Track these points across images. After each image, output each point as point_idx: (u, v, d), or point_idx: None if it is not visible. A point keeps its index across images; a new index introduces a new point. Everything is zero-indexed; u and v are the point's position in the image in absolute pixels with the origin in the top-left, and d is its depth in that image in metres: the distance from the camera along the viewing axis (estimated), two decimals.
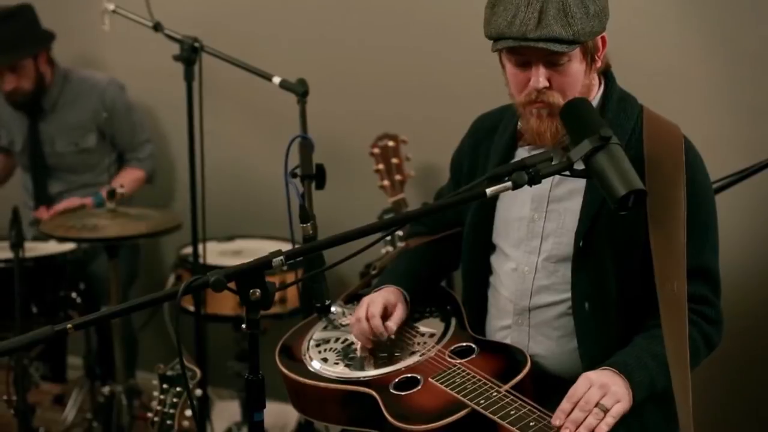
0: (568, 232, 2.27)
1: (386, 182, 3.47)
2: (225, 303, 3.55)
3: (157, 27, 3.35)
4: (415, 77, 3.70)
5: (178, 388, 2.67)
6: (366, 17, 3.78)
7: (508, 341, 2.36)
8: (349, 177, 3.65)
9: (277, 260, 1.80)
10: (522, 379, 2.14)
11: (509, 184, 1.91)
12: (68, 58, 4.16)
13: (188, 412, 2.65)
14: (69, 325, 1.74)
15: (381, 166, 3.49)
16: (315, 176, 2.53)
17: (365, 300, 2.43)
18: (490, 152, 2.43)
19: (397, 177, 3.48)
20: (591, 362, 2.23)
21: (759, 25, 3.12)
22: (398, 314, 2.41)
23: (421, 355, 2.32)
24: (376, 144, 3.54)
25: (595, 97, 2.28)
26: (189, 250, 3.52)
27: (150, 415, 2.69)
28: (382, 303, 2.40)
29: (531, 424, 1.97)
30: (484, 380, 2.13)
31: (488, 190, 1.90)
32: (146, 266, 4.30)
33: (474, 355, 2.28)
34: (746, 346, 3.17)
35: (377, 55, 3.77)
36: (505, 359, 2.25)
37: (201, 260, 3.45)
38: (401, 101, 3.74)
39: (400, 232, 3.31)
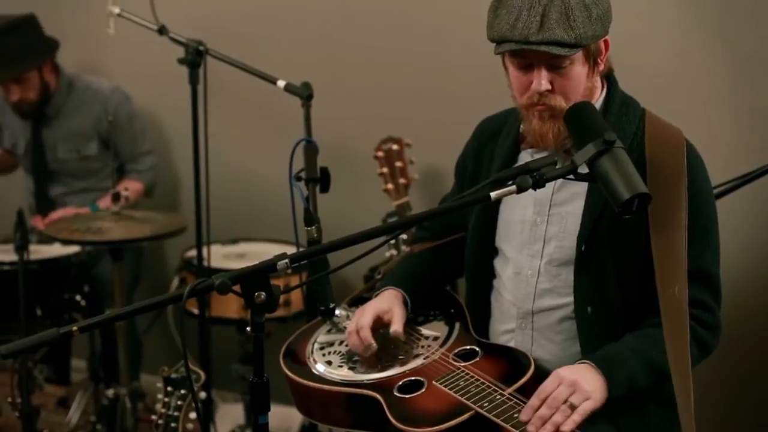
0: (570, 236, 2.27)
1: (390, 185, 3.48)
2: (229, 306, 3.55)
3: (161, 30, 3.35)
4: (419, 80, 3.71)
5: (182, 391, 2.67)
6: (370, 21, 3.79)
7: (511, 345, 2.36)
8: (353, 180, 3.66)
9: (282, 263, 1.80)
10: (525, 383, 2.14)
11: (513, 187, 1.90)
12: (72, 62, 4.16)
13: (192, 415, 2.65)
14: (74, 328, 1.74)
15: (385, 170, 3.50)
16: (319, 179, 2.53)
17: (357, 312, 2.43)
18: (494, 155, 2.43)
19: (401, 180, 3.48)
20: None
21: (760, 28, 3.12)
22: (397, 317, 2.40)
23: (425, 358, 2.32)
24: (380, 147, 3.54)
25: (598, 101, 2.28)
26: (193, 253, 3.53)
27: (154, 417, 2.69)
28: (373, 313, 2.39)
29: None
30: (487, 383, 2.13)
31: (492, 194, 1.90)
32: (150, 269, 4.30)
33: (478, 359, 2.29)
34: (747, 349, 3.16)
35: (381, 59, 3.78)
36: (508, 362, 2.25)
37: (205, 263, 3.45)
38: (405, 105, 3.74)
39: (404, 236, 3.31)
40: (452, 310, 2.54)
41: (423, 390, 2.19)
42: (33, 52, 3.91)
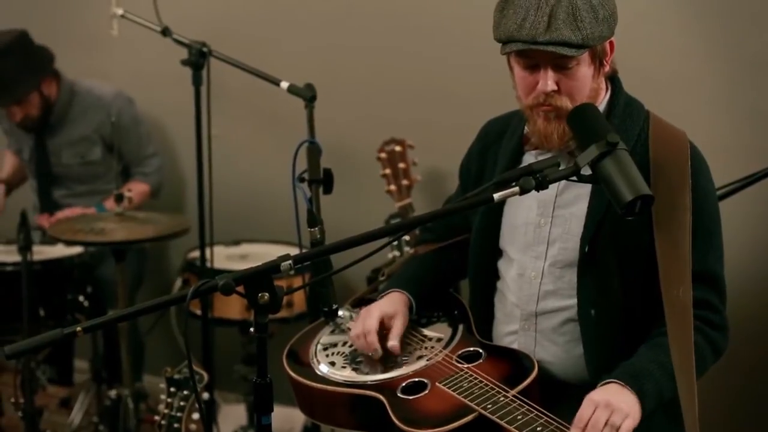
0: (573, 238, 2.27)
1: (393, 187, 3.48)
2: (232, 307, 3.55)
3: (165, 32, 3.35)
4: (422, 82, 3.71)
5: (185, 392, 2.67)
6: (373, 22, 3.79)
7: (515, 346, 2.36)
8: (356, 182, 3.66)
9: (285, 264, 1.80)
10: (529, 385, 2.14)
11: (516, 189, 1.90)
12: (75, 64, 4.16)
13: (195, 416, 2.66)
14: (78, 328, 1.74)
15: (388, 171, 3.50)
16: (322, 181, 2.53)
17: (362, 314, 2.43)
18: (498, 157, 2.43)
19: (404, 182, 3.48)
20: (597, 368, 2.23)
21: (761, 30, 3.12)
22: (397, 327, 2.41)
23: (428, 360, 2.32)
24: (383, 149, 3.54)
25: (602, 102, 2.29)
26: (196, 254, 3.53)
27: (157, 418, 2.69)
28: (378, 316, 2.40)
29: (538, 429, 1.97)
30: (491, 385, 2.13)
31: (496, 195, 1.90)
32: (153, 270, 4.31)
33: (481, 360, 2.29)
34: (750, 350, 3.16)
35: (384, 60, 3.78)
36: (512, 364, 2.26)
37: (208, 264, 3.45)
38: (408, 106, 3.75)
39: (406, 237, 3.32)
40: (455, 312, 2.54)
41: (426, 391, 2.19)
42: (30, 73, 3.88)
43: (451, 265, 2.64)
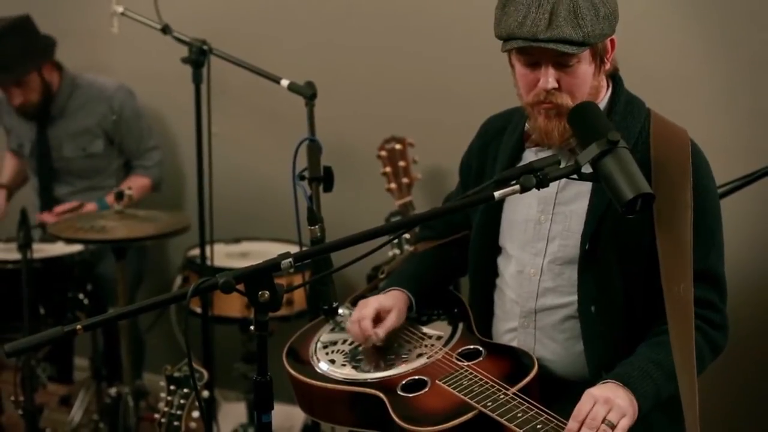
0: (574, 235, 2.27)
1: (393, 185, 3.48)
2: (232, 305, 3.55)
3: (165, 29, 3.35)
4: (423, 80, 3.71)
5: (185, 390, 2.67)
6: (374, 20, 3.79)
7: (514, 344, 2.36)
8: (356, 180, 3.66)
9: (285, 262, 1.80)
10: (529, 382, 2.14)
11: (517, 187, 1.90)
12: (76, 62, 4.16)
13: (195, 414, 2.65)
14: (78, 326, 1.74)
15: (388, 169, 3.50)
16: (323, 179, 2.53)
17: (360, 304, 2.44)
18: (499, 154, 2.43)
19: (404, 180, 3.48)
20: (597, 365, 2.24)
21: (760, 29, 3.12)
22: (390, 320, 2.41)
23: (428, 358, 2.32)
24: (383, 147, 3.54)
25: (603, 100, 2.29)
26: (196, 251, 3.53)
27: (157, 416, 2.69)
28: (375, 307, 2.41)
29: (538, 426, 1.97)
30: (491, 383, 2.13)
31: (496, 194, 1.90)
32: (153, 268, 4.31)
33: (481, 358, 2.29)
34: (750, 348, 3.16)
35: (385, 58, 3.78)
36: (512, 362, 2.26)
37: (208, 262, 3.45)
38: (408, 104, 3.75)
39: (407, 235, 3.32)
40: (455, 310, 2.54)
41: (426, 389, 2.19)
42: (31, 55, 3.89)
43: (451, 263, 2.64)
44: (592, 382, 2.17)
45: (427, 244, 2.69)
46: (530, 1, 2.10)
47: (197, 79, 3.30)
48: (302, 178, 2.53)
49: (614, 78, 2.32)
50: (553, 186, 2.22)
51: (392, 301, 2.45)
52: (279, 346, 2.49)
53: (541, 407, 2.03)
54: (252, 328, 1.85)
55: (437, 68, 3.67)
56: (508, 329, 2.40)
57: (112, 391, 3.65)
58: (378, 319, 2.41)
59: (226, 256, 3.80)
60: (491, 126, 2.55)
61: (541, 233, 2.32)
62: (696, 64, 3.23)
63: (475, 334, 2.42)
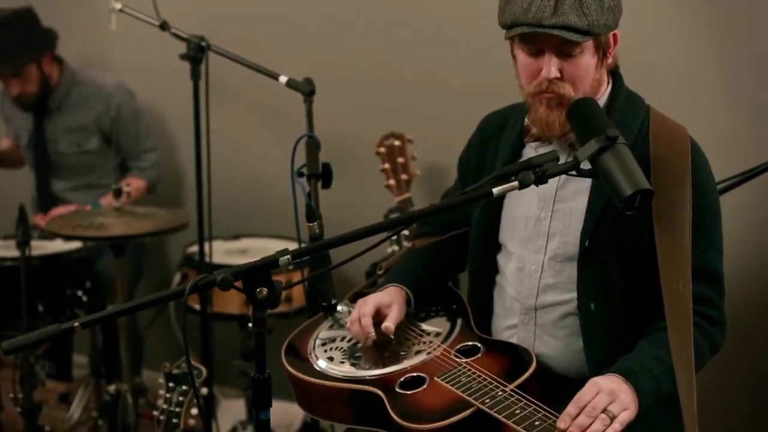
0: (573, 232, 2.27)
1: (392, 181, 3.48)
2: (231, 302, 3.55)
3: (163, 26, 3.35)
4: (421, 76, 3.70)
5: (183, 387, 2.67)
6: (372, 16, 3.79)
7: (514, 341, 2.36)
8: (355, 176, 3.65)
9: (283, 259, 1.80)
10: (527, 379, 2.14)
11: (516, 183, 1.91)
12: (74, 58, 4.16)
13: (194, 411, 2.65)
14: (76, 323, 1.74)
15: (387, 166, 3.50)
16: (321, 175, 2.53)
17: (359, 302, 2.44)
18: (498, 150, 2.43)
19: (403, 176, 3.48)
20: (597, 362, 2.23)
21: (760, 26, 3.12)
22: (393, 315, 2.40)
23: (426, 354, 2.32)
24: (382, 143, 3.54)
25: (603, 95, 2.28)
26: (195, 248, 3.53)
27: (156, 413, 2.69)
28: (374, 304, 2.40)
29: (536, 423, 1.97)
30: (489, 379, 2.13)
31: (495, 190, 1.90)
32: (152, 265, 4.31)
33: (480, 355, 2.28)
34: (748, 345, 3.16)
35: (383, 54, 3.78)
36: (510, 358, 2.25)
37: (207, 259, 3.45)
38: (407, 100, 3.74)
39: (405, 232, 3.31)
40: (454, 306, 2.54)
41: (425, 386, 2.19)
42: (31, 46, 3.91)
43: (449, 259, 2.64)
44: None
45: (425, 240, 2.69)
46: None
47: (195, 76, 3.30)
48: (301, 174, 2.53)
49: (614, 74, 2.32)
50: (553, 183, 2.22)
51: (391, 297, 2.45)
52: (278, 342, 2.48)
53: (539, 404, 2.03)
54: (250, 325, 1.85)
55: (436, 64, 3.67)
56: (507, 326, 2.40)
57: (111, 388, 3.66)
58: (378, 315, 2.40)
59: (225, 252, 3.80)
60: (490, 122, 2.54)
61: (541, 230, 2.32)
62: (695, 60, 3.23)
63: (473, 330, 2.41)
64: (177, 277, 3.83)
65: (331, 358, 2.38)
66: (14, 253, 3.42)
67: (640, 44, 3.12)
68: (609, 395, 1.99)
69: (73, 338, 4.11)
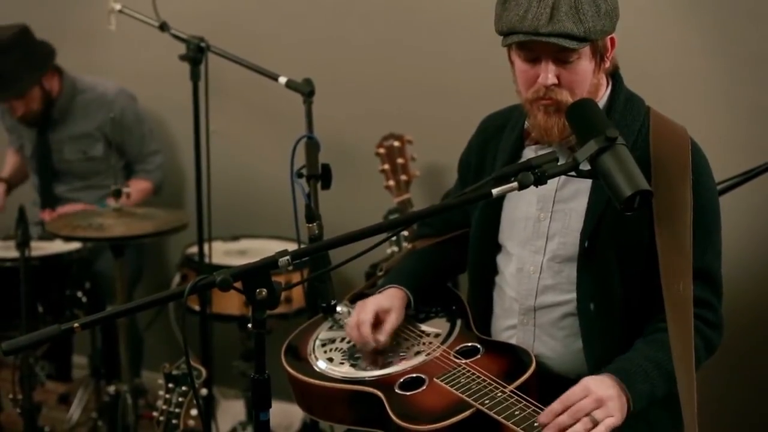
0: (573, 232, 2.27)
1: (392, 182, 3.48)
2: (230, 302, 3.55)
3: (163, 27, 3.35)
4: (421, 77, 3.70)
5: (183, 388, 2.67)
6: (372, 17, 3.79)
7: (513, 341, 2.36)
8: (354, 177, 3.65)
9: (283, 260, 1.80)
10: (527, 380, 2.14)
11: (515, 184, 1.90)
12: (74, 60, 4.15)
13: (194, 412, 2.65)
14: (76, 324, 1.74)
15: (386, 166, 3.50)
16: (321, 176, 2.53)
17: (358, 306, 2.43)
18: (498, 151, 2.43)
19: (403, 177, 3.48)
20: (596, 362, 2.23)
21: (759, 25, 3.12)
22: (389, 323, 2.40)
23: (426, 355, 2.32)
24: (382, 144, 3.54)
25: (603, 98, 2.28)
26: (194, 249, 3.53)
27: (155, 414, 2.69)
28: (373, 310, 2.39)
29: (536, 424, 1.97)
30: (489, 380, 2.13)
31: (494, 191, 1.90)
32: (151, 265, 4.31)
33: (479, 356, 2.28)
34: (746, 343, 3.16)
35: (383, 55, 3.78)
36: (510, 359, 2.25)
37: (206, 260, 3.45)
38: (407, 101, 3.74)
39: (405, 233, 3.32)
40: (454, 307, 2.54)
41: (424, 387, 2.19)
42: (32, 68, 3.88)
43: (449, 260, 2.64)
44: None
45: (425, 241, 2.69)
46: None
47: (195, 77, 3.30)
48: (300, 175, 2.53)
49: (614, 76, 2.32)
50: (553, 183, 2.22)
51: (390, 300, 2.44)
52: (278, 343, 2.48)
53: (539, 405, 2.03)
54: (250, 325, 1.85)
55: (436, 65, 3.67)
56: (507, 326, 2.40)
57: (111, 389, 3.66)
58: (377, 320, 2.40)
59: (224, 253, 3.80)
60: (490, 123, 2.54)
61: (540, 231, 2.32)
62: (694, 60, 3.23)
63: (473, 331, 2.41)
64: (177, 278, 3.83)
65: (330, 359, 2.38)
66: (14, 254, 3.41)
67: (639, 44, 3.13)
68: (596, 401, 1.99)
69: (72, 339, 4.12)
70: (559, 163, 1.95)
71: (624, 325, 2.24)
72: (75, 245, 3.74)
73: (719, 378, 2.98)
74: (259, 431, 1.90)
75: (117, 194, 3.45)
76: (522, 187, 1.90)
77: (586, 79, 2.19)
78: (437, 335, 2.42)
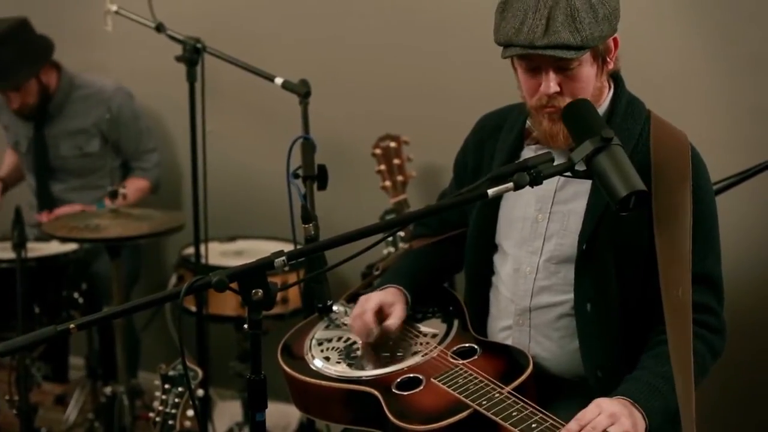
0: (571, 234, 2.27)
1: (388, 183, 3.48)
2: (227, 303, 3.55)
3: (159, 28, 3.35)
4: (417, 78, 3.70)
5: (179, 388, 2.67)
6: (368, 18, 3.79)
7: (509, 342, 2.36)
8: (351, 178, 3.65)
9: (279, 261, 1.80)
10: (524, 381, 2.14)
11: (511, 185, 1.90)
12: (71, 60, 4.14)
13: (190, 413, 2.66)
14: (72, 325, 1.74)
15: (383, 167, 3.50)
16: (317, 177, 2.53)
17: (361, 299, 2.44)
18: (496, 151, 2.43)
19: (399, 178, 3.48)
20: (592, 363, 2.24)
21: (759, 26, 3.12)
22: (397, 313, 2.41)
23: (423, 356, 2.32)
24: (378, 145, 3.54)
25: (605, 100, 2.28)
26: (191, 250, 3.53)
27: (152, 415, 2.69)
28: (378, 301, 2.40)
29: (533, 425, 1.97)
30: (486, 381, 2.13)
31: (490, 191, 1.90)
32: (148, 266, 4.30)
33: (476, 356, 2.28)
34: (747, 346, 3.16)
35: (379, 56, 3.78)
36: (507, 361, 2.25)
37: (203, 261, 3.45)
38: (403, 102, 3.74)
39: (401, 233, 3.31)
40: (450, 308, 2.54)
41: (421, 387, 2.19)
42: (29, 60, 3.89)
43: (446, 260, 2.64)
44: (586, 380, 2.20)
45: (421, 241, 2.69)
46: (527, 6, 2.08)
47: (191, 78, 3.30)
48: (296, 176, 2.53)
49: (616, 78, 2.31)
50: (552, 184, 2.23)
51: (392, 297, 2.45)
52: (274, 344, 2.48)
53: (536, 406, 2.03)
54: (246, 326, 1.85)
55: (432, 66, 3.67)
56: (503, 327, 2.40)
57: (108, 390, 3.66)
58: (380, 313, 2.40)
59: (220, 254, 3.79)
60: (487, 123, 2.54)
61: (538, 231, 2.32)
62: (695, 62, 3.23)
63: (470, 332, 2.41)
64: (173, 279, 3.83)
65: (327, 358, 2.38)
66: (10, 255, 3.41)
67: (640, 46, 3.13)
68: (610, 417, 1.98)
69: (69, 340, 4.11)
70: (554, 164, 1.95)
71: (621, 326, 2.24)
72: (71, 246, 3.74)
73: (717, 380, 2.98)
74: None
75: (114, 195, 3.45)
76: (517, 187, 1.90)
77: (589, 84, 2.19)
78: (434, 335, 2.42)
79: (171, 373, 2.70)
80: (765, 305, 3.25)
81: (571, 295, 2.27)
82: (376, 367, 2.32)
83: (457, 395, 2.10)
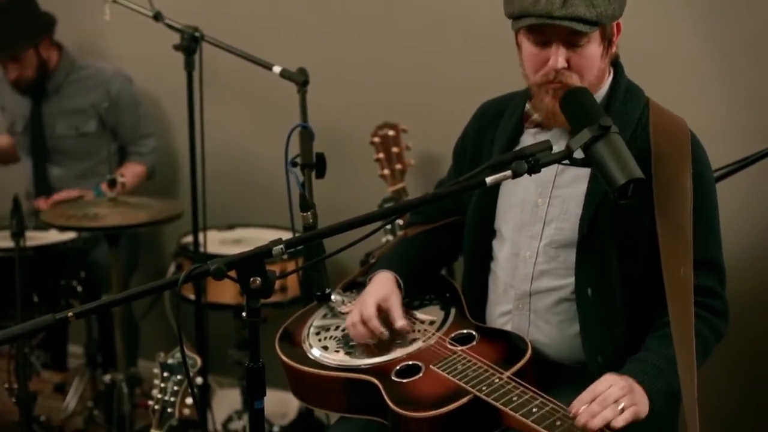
0: (571, 218, 2.27)
1: (386, 171, 3.47)
2: (225, 291, 3.55)
3: (157, 17, 3.34)
4: (416, 66, 3.70)
5: (178, 377, 2.67)
6: (366, 6, 3.78)
7: (508, 327, 2.37)
8: (349, 166, 3.65)
9: (277, 249, 1.80)
10: (523, 366, 2.14)
11: (509, 173, 1.91)
12: (70, 46, 4.15)
13: (189, 400, 2.66)
14: (70, 313, 1.74)
15: (381, 155, 3.49)
16: (315, 165, 2.53)
17: (357, 303, 2.42)
18: (496, 137, 2.43)
19: (398, 166, 3.48)
20: (593, 348, 2.24)
21: (756, 12, 3.11)
22: (395, 308, 2.40)
23: (422, 343, 2.32)
24: (377, 133, 3.54)
25: (605, 85, 2.30)
26: (189, 238, 3.52)
27: (151, 403, 2.70)
28: (374, 303, 2.39)
29: (534, 410, 1.97)
30: (485, 367, 2.14)
31: (488, 179, 1.90)
32: (147, 255, 4.30)
33: (474, 342, 2.29)
34: (742, 332, 3.16)
35: (378, 44, 3.77)
36: (505, 346, 2.26)
37: (201, 249, 3.45)
38: (401, 90, 3.74)
39: (400, 221, 3.31)
40: (448, 295, 2.54)
41: (421, 374, 2.19)
42: (29, 31, 3.92)
43: (441, 246, 2.64)
44: (586, 366, 2.22)
45: (416, 228, 2.68)
46: None
47: (189, 67, 3.29)
48: (295, 164, 2.53)
49: (615, 65, 2.33)
50: (552, 169, 2.24)
51: (383, 287, 2.44)
52: (273, 332, 2.49)
53: (536, 390, 2.04)
54: (244, 314, 1.86)
55: (430, 54, 3.66)
56: (502, 312, 2.40)
57: (107, 378, 3.66)
58: (380, 311, 2.39)
59: (219, 242, 3.79)
60: (488, 110, 2.54)
61: (537, 216, 2.32)
62: (691, 47, 3.22)
63: (467, 318, 2.42)
64: (172, 267, 3.83)
65: (325, 347, 2.38)
66: (8, 243, 3.41)
67: (636, 31, 3.11)
68: (622, 389, 2.00)
69: (68, 328, 4.11)
70: (553, 151, 1.95)
71: (622, 311, 2.25)
72: (70, 235, 3.74)
73: (718, 365, 2.99)
74: (254, 419, 1.90)
75: (112, 183, 3.45)
76: (516, 175, 1.91)
77: (595, 63, 2.21)
78: (432, 323, 2.42)
79: (170, 361, 2.70)
80: (763, 289, 3.25)
81: (571, 280, 2.27)
82: (375, 355, 2.32)
83: (457, 381, 2.11)
